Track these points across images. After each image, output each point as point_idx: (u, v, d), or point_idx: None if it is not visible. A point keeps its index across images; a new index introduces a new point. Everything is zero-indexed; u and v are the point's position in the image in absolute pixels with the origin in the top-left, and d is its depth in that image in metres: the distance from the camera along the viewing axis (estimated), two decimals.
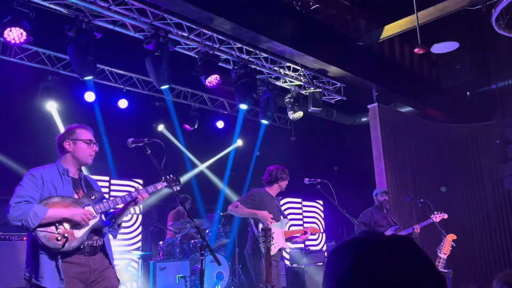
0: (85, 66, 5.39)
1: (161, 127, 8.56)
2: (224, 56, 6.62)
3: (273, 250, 4.44)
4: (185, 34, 6.05)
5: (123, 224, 3.48)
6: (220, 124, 9.21)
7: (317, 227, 6.07)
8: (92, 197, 3.04)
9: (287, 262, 8.09)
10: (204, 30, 6.13)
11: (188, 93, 8.56)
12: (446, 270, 5.10)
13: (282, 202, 9.34)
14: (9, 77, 6.53)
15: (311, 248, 9.34)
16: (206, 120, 9.09)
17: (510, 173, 7.35)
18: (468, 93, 8.92)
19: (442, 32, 6.87)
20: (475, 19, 6.86)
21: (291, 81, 7.61)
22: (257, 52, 6.72)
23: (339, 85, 8.01)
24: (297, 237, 4.94)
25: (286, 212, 9.29)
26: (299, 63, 7.13)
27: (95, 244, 2.99)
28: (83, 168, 3.20)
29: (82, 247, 2.90)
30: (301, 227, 8.18)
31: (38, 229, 2.73)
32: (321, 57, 6.71)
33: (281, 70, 7.29)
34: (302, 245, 9.05)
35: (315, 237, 9.71)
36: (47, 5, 5.09)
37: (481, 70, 8.18)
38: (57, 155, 3.13)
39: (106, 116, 7.59)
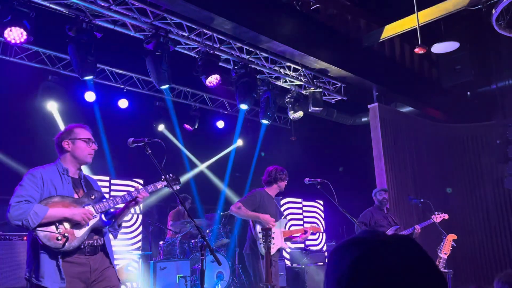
0: (86, 66, 5.39)
1: (161, 127, 8.56)
2: (224, 56, 6.62)
3: (272, 250, 4.46)
4: (186, 34, 6.05)
5: (124, 224, 3.48)
6: (220, 124, 9.21)
7: (317, 226, 6.05)
8: (92, 197, 3.04)
9: (287, 262, 8.09)
10: (204, 30, 6.13)
11: (189, 93, 8.56)
12: (446, 270, 5.10)
13: (282, 202, 9.34)
14: (9, 77, 6.53)
15: (312, 248, 9.34)
16: (206, 120, 9.10)
17: (510, 173, 7.34)
18: (468, 93, 8.92)
19: (443, 32, 6.88)
20: (476, 19, 6.86)
21: (291, 81, 7.61)
22: (258, 52, 6.72)
23: (339, 85, 8.01)
24: (296, 236, 4.96)
25: (286, 212, 9.32)
26: (300, 63, 7.12)
27: (95, 244, 2.98)
28: (83, 167, 3.20)
29: (82, 246, 2.89)
30: (302, 227, 8.18)
31: (38, 228, 2.73)
32: (322, 57, 6.71)
33: (282, 70, 7.29)
34: (302, 245, 9.05)
35: (315, 237, 9.71)
36: (48, 4, 5.09)
37: (481, 70, 8.18)
38: (57, 155, 3.13)
39: (106, 116, 7.59)
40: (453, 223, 7.02)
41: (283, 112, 9.26)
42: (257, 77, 7.05)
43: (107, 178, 7.67)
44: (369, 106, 7.78)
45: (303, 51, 6.40)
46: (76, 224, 2.86)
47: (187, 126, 8.69)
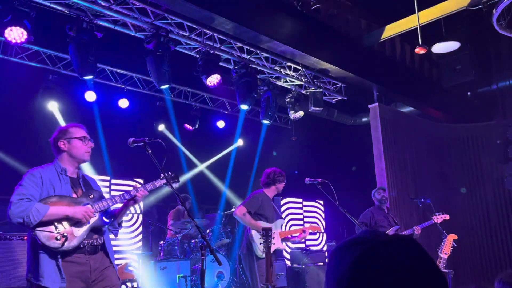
0: (86, 66, 5.39)
1: (161, 127, 8.56)
2: (225, 56, 6.61)
3: None
4: (186, 34, 6.05)
5: (124, 224, 3.48)
6: (220, 124, 9.21)
7: (317, 225, 6.05)
8: (90, 196, 3.04)
9: (288, 262, 8.09)
10: (205, 30, 6.13)
11: (189, 93, 8.56)
12: (447, 270, 5.10)
13: (283, 202, 9.34)
14: (10, 76, 6.53)
15: (312, 248, 9.33)
16: (207, 120, 9.10)
17: (510, 173, 7.34)
18: (468, 93, 8.92)
19: (443, 32, 6.87)
20: (476, 19, 6.86)
21: (292, 81, 7.61)
22: (258, 52, 6.72)
23: (340, 85, 8.01)
24: (294, 236, 4.98)
25: (286, 212, 9.31)
26: (300, 63, 7.12)
27: (95, 243, 2.98)
28: (84, 167, 3.19)
29: (82, 246, 2.89)
30: (301, 227, 8.18)
31: (37, 228, 2.72)
32: (322, 57, 6.70)
33: (282, 70, 7.29)
34: (303, 245, 9.05)
35: (315, 237, 9.70)
36: (48, 4, 5.09)
37: (481, 70, 8.18)
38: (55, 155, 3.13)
39: (107, 115, 7.59)
40: (453, 223, 7.02)
41: (283, 112, 9.26)
42: (258, 77, 7.05)
43: (108, 177, 7.66)
44: (369, 106, 7.78)
45: (303, 51, 6.40)
46: (75, 224, 2.86)
47: (188, 126, 8.69)
